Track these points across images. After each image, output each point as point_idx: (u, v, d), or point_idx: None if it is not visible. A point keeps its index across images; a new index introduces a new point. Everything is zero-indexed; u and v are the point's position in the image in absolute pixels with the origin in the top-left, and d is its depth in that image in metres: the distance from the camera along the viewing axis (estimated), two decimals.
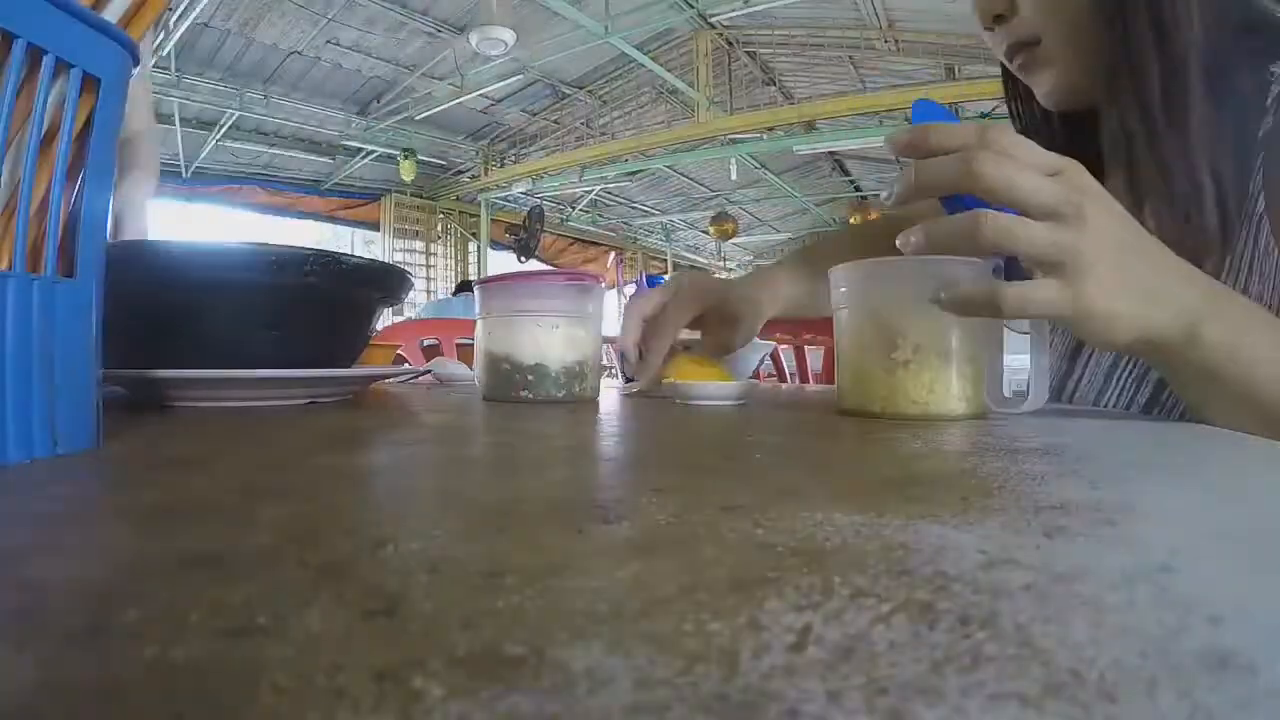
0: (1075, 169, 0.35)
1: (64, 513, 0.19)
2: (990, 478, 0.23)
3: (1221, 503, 0.22)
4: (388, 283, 0.57)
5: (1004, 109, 0.66)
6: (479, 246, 6.96)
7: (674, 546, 0.15)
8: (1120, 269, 0.35)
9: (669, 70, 5.10)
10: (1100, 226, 0.34)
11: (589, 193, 7.55)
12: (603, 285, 0.60)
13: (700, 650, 0.10)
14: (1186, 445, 0.34)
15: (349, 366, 0.60)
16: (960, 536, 0.16)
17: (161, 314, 0.47)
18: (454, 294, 3.65)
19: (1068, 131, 0.59)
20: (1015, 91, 0.63)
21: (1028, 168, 0.34)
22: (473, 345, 0.59)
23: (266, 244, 0.47)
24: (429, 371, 0.95)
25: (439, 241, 7.10)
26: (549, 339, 0.54)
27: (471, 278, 5.98)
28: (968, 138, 0.35)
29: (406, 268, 0.64)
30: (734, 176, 6.72)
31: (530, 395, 0.54)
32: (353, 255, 0.52)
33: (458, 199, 7.11)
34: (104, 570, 0.14)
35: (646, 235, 9.36)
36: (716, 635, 0.10)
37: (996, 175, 0.33)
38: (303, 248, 0.49)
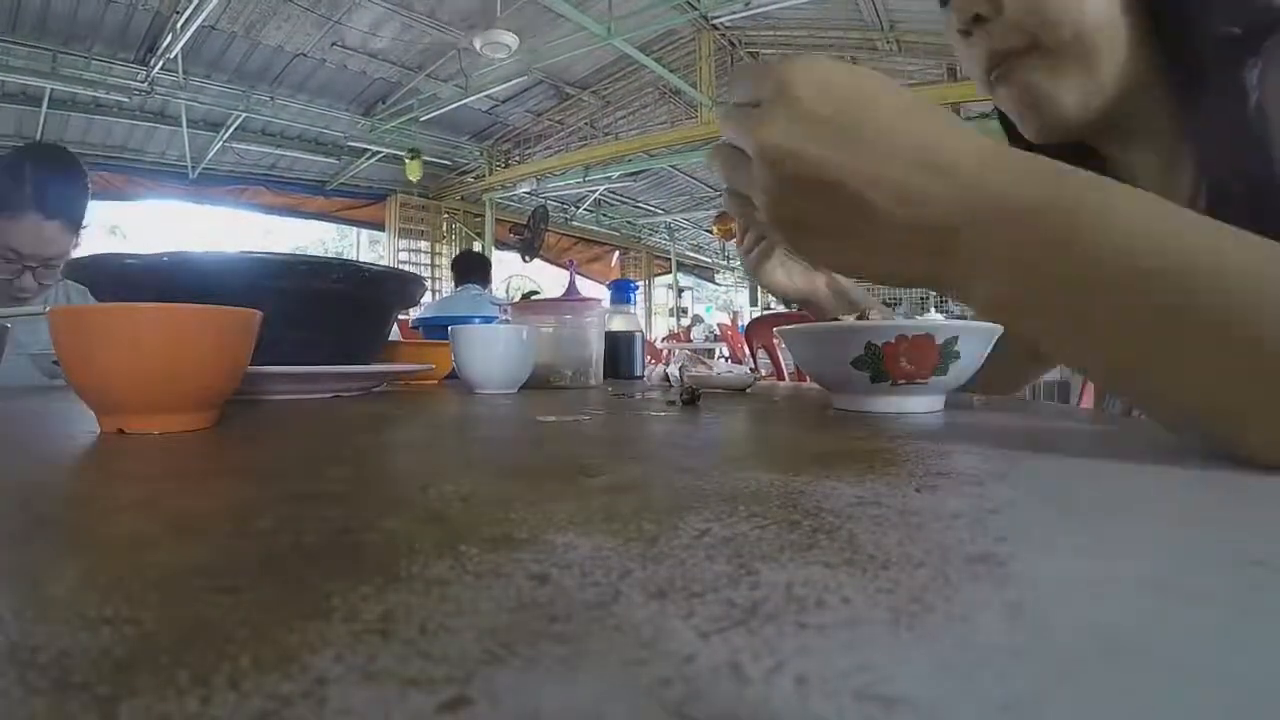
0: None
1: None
2: (905, 455, 0.28)
3: (1062, 471, 0.27)
4: (406, 288, 0.63)
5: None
6: (484, 246, 7.02)
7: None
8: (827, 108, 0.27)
9: (671, 71, 5.15)
10: (803, 73, 0.27)
11: (593, 192, 7.61)
12: (602, 304, 0.77)
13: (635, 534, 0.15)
14: (1093, 431, 0.39)
15: (368, 364, 0.65)
16: (849, 489, 0.21)
17: None
18: (455, 284, 2.92)
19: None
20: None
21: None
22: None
23: (301, 255, 0.53)
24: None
25: (444, 241, 7.17)
26: (565, 344, 0.77)
27: (474, 249, 5.58)
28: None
29: (412, 267, 0.71)
30: None
31: (553, 382, 0.77)
32: (375, 264, 0.58)
33: (462, 199, 7.18)
34: None
35: (650, 234, 9.42)
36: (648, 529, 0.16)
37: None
38: (330, 258, 0.54)
